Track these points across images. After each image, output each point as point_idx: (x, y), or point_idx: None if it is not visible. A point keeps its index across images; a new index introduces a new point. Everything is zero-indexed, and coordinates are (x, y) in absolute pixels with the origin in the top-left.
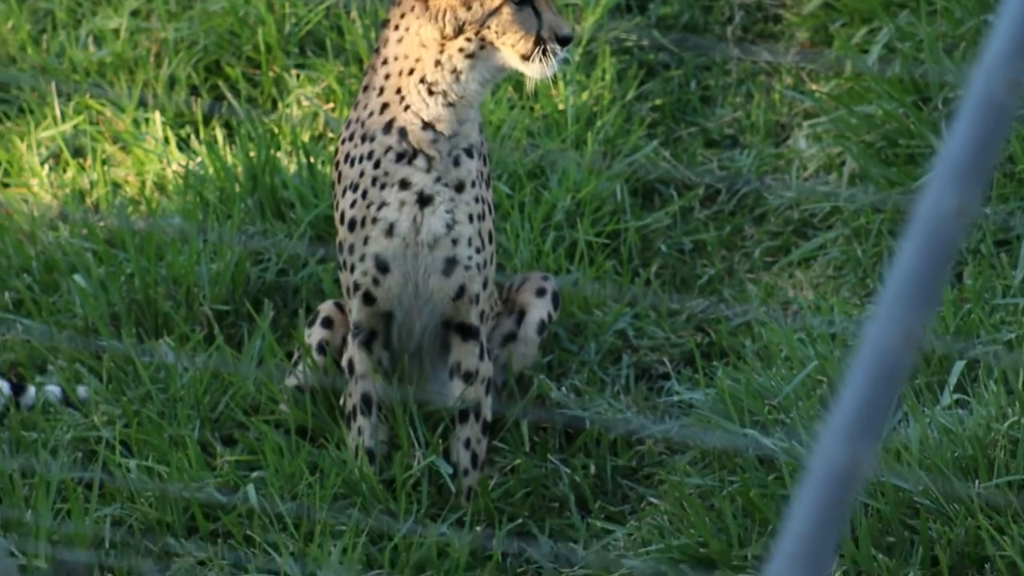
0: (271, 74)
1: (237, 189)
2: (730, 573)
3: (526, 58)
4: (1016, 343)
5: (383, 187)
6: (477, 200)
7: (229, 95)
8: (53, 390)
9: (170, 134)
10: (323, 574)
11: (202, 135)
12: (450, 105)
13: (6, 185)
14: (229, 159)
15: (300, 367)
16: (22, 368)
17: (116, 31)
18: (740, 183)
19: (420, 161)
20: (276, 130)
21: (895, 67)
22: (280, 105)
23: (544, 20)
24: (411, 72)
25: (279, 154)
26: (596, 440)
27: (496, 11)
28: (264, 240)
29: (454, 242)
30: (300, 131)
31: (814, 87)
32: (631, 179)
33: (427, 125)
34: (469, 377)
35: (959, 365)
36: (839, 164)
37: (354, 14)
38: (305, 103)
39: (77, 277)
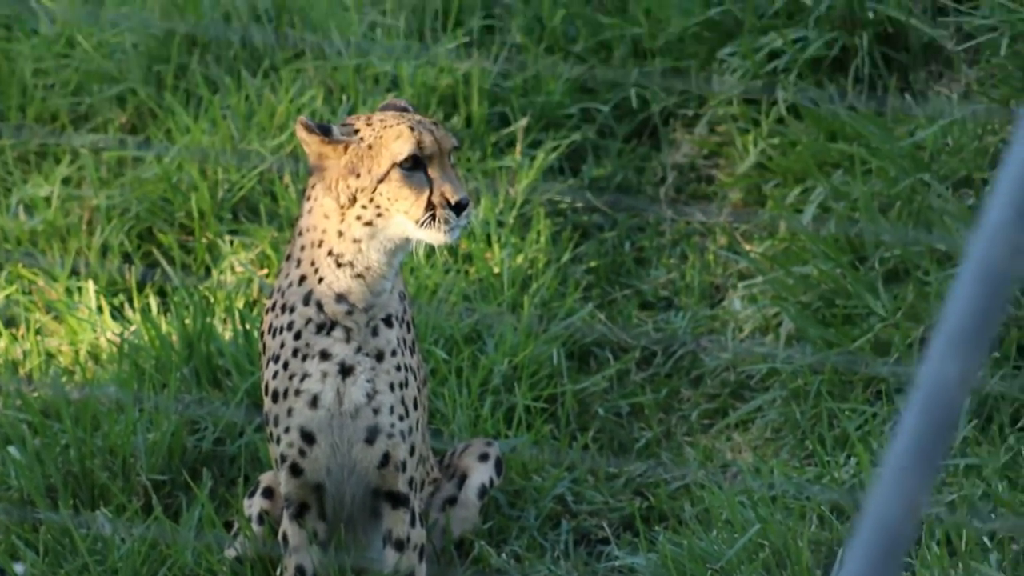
0: (204, 240)
1: (173, 357)
2: None
3: (420, 224)
4: (959, 503)
5: (304, 358)
6: (399, 368)
7: (163, 262)
8: None
9: (103, 303)
10: None
11: (136, 303)
12: (359, 276)
13: None
14: (164, 327)
15: (239, 538)
16: None
17: (47, 199)
18: (676, 345)
19: (338, 332)
20: (211, 297)
21: (830, 227)
22: (214, 272)
23: (435, 185)
24: (320, 244)
25: (214, 321)
26: None
27: (385, 177)
28: (200, 408)
29: (375, 411)
30: (235, 297)
31: (748, 247)
32: (567, 342)
33: (340, 297)
34: (401, 545)
35: None
36: (775, 325)
37: (287, 179)
38: (239, 269)
39: (12, 449)
